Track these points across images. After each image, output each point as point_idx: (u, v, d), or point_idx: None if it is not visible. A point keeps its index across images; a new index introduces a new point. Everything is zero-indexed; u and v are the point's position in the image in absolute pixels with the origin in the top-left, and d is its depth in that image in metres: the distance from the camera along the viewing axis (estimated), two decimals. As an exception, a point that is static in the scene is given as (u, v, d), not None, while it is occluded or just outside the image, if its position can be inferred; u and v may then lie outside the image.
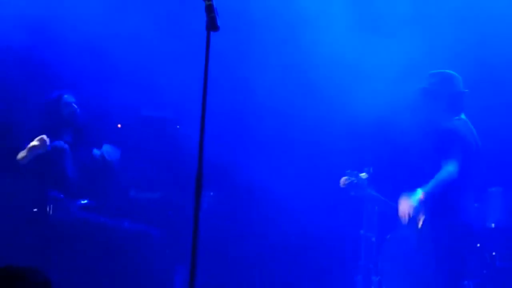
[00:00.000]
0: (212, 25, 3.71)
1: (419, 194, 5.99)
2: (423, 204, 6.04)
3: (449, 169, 6.01)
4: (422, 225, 6.13)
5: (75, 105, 6.68)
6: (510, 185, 6.63)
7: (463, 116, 6.25)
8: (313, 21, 7.24)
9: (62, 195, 6.39)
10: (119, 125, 6.26)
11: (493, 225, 6.66)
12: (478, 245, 6.60)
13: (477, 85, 6.73)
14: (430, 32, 7.13)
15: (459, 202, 6.09)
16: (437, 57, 6.87)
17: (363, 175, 6.66)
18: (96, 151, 6.45)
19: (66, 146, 6.35)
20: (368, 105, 6.70)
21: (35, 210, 5.89)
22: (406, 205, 6.04)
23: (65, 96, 6.73)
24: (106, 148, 6.48)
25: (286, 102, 7.22)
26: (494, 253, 6.58)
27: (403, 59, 6.87)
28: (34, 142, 6.09)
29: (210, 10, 3.70)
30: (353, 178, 6.64)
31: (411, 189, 6.04)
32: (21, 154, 6.09)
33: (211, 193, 7.08)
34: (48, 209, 5.90)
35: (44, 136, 6.11)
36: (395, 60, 6.90)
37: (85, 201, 6.58)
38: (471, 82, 6.59)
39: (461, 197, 6.12)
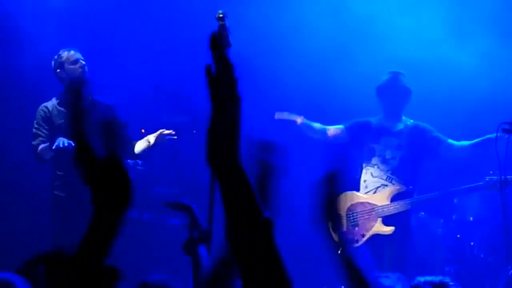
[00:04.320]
0: (225, 42, 3.78)
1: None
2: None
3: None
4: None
5: None
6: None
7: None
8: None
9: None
10: (143, 131, 6.33)
11: (471, 218, 6.96)
12: (458, 235, 6.91)
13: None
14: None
15: None
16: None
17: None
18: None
19: None
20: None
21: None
22: None
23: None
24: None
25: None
26: (472, 243, 6.89)
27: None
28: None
29: (223, 29, 3.89)
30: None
31: None
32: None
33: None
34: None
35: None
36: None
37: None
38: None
39: None
